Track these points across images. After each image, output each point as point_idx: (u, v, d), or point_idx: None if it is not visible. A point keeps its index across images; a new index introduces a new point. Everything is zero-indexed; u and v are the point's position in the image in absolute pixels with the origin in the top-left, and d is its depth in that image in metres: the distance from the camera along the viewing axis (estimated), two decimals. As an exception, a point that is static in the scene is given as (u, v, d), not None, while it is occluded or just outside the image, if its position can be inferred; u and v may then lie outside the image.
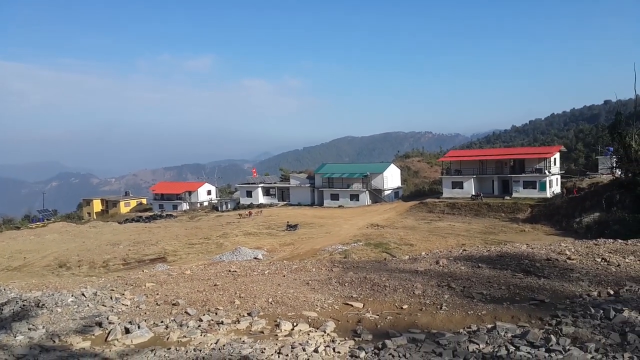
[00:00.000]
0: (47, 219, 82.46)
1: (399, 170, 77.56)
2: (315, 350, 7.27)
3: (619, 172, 46.82)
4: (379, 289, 11.01)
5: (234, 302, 10.64)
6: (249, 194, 79.67)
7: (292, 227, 48.68)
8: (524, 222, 47.45)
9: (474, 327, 7.83)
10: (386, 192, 70.25)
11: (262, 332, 8.67)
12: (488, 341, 6.90)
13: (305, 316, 9.41)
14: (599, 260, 12.25)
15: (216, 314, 9.83)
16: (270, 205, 75.42)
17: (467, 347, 6.74)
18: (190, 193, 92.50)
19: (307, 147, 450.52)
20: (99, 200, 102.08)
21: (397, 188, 73.50)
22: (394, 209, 59.91)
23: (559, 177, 60.66)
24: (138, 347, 8.15)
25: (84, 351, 7.91)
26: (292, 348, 7.39)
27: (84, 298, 11.25)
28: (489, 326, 7.75)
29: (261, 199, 78.62)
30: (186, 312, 9.96)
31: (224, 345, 7.77)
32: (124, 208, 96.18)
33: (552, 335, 6.84)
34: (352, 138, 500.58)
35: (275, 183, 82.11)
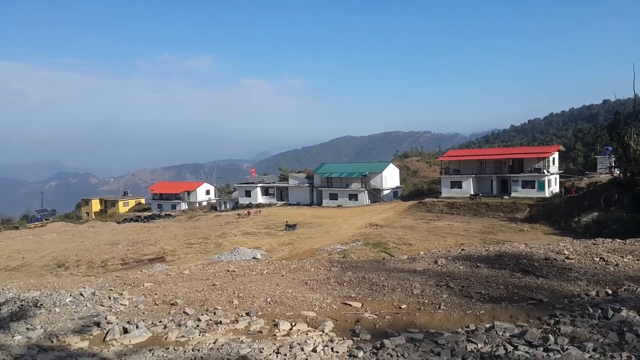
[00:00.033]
0: (46, 219, 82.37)
1: (398, 170, 77.58)
2: (314, 350, 7.27)
3: (618, 172, 46.87)
4: (377, 288, 11.01)
5: (233, 302, 10.63)
6: (247, 193, 79.62)
7: (290, 226, 48.68)
8: (522, 222, 47.48)
9: (472, 327, 7.83)
10: (385, 192, 70.26)
11: (261, 332, 8.66)
12: (486, 341, 6.90)
13: (303, 316, 9.41)
14: (597, 259, 12.26)
15: (214, 313, 9.83)
16: (269, 205, 75.38)
17: (466, 346, 6.74)
18: (189, 193, 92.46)
19: (306, 146, 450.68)
20: (98, 200, 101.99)
21: (396, 188, 73.52)
22: (392, 209, 59.92)
23: (557, 176, 60.71)
24: (136, 347, 8.14)
25: (82, 351, 7.90)
26: (291, 348, 7.39)
27: (82, 298, 11.23)
28: (487, 326, 7.75)
29: (260, 198, 78.58)
30: (184, 312, 9.95)
31: (222, 345, 7.77)
32: (122, 208, 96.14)
33: (550, 335, 6.85)
34: (351, 138, 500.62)
35: (274, 183, 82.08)
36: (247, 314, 9.69)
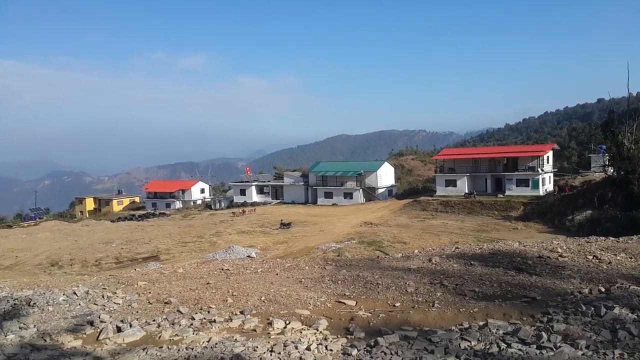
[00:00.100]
0: (40, 218, 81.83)
1: (393, 169, 77.69)
2: (308, 348, 7.26)
3: (612, 170, 47.16)
4: (371, 286, 11.01)
5: (227, 301, 10.61)
6: (242, 192, 79.52)
7: (285, 225, 48.68)
8: (516, 220, 47.71)
9: (466, 325, 7.85)
10: (380, 190, 70.35)
11: (255, 330, 8.64)
12: (480, 338, 6.92)
13: (297, 314, 9.40)
14: (591, 257, 12.33)
15: (208, 312, 9.80)
16: (264, 203, 75.32)
17: (459, 344, 6.76)
18: (183, 191, 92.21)
19: (301, 145, 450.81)
20: (92, 199, 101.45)
21: (391, 186, 73.64)
22: (387, 207, 60.02)
23: (551, 175, 61.03)
24: (130, 345, 8.10)
25: (75, 350, 7.85)
26: (285, 346, 7.37)
27: (76, 297, 11.17)
28: (481, 323, 7.78)
29: (255, 197, 78.49)
30: (178, 311, 9.92)
31: (216, 344, 7.75)
32: (116, 206, 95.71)
33: (543, 332, 6.88)
34: (346, 136, 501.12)
35: (269, 181, 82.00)
36: (241, 312, 9.67)
